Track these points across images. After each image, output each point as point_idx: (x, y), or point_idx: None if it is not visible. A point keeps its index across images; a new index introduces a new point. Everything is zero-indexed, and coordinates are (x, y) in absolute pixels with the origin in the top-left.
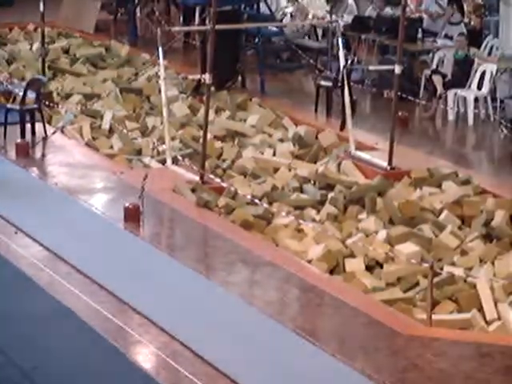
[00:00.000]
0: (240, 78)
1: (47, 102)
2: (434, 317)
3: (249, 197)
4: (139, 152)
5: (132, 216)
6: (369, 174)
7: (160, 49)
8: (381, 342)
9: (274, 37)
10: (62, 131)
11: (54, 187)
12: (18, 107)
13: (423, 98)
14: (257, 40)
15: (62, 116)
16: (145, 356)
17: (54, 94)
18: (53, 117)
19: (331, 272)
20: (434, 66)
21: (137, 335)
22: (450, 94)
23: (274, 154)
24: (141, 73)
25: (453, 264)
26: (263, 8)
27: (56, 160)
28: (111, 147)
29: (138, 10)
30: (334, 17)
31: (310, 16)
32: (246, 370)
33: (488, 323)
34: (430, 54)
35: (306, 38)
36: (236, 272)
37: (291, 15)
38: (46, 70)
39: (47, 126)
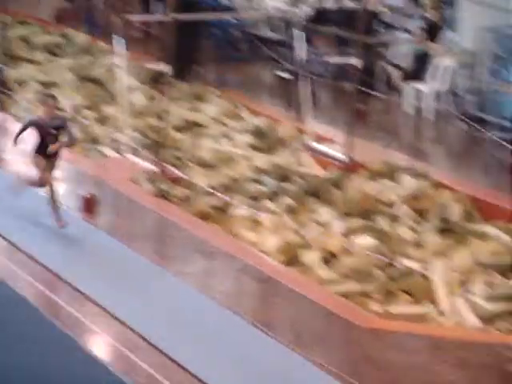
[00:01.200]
0: (199, 68)
1: (3, 90)
2: (388, 309)
3: (206, 187)
4: (96, 141)
5: (89, 206)
6: (326, 166)
7: (117, 38)
8: (336, 334)
9: (233, 28)
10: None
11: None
12: None
13: (381, 91)
14: (216, 31)
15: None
16: (99, 345)
17: (11, 82)
18: (8, 104)
19: (288, 263)
20: (391, 60)
21: (91, 324)
22: (408, 87)
23: (233, 145)
24: (99, 62)
25: (408, 257)
26: None
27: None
28: None
29: None
30: (293, 9)
31: (269, 8)
32: (200, 360)
33: (442, 316)
34: (389, 48)
35: (266, 29)
36: (192, 262)
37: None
38: (3, 57)
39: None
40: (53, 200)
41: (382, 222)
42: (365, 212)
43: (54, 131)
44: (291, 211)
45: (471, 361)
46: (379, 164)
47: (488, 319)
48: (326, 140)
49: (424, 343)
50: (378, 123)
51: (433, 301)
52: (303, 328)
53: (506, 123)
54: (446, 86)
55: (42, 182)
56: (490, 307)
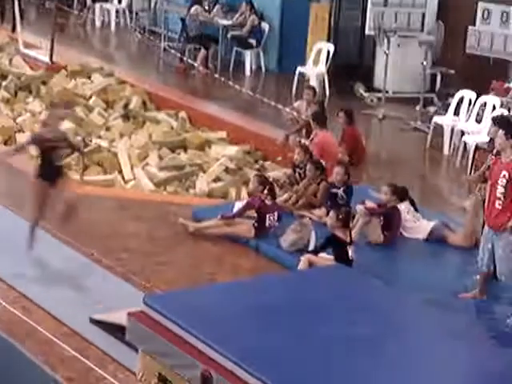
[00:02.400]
0: None
1: None
2: (85, 178)
3: None
4: None
5: None
6: (34, 67)
7: None
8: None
9: None
10: None
11: None
12: None
13: (77, 9)
14: None
15: None
16: None
17: None
18: None
19: (5, 143)
20: None
21: None
22: (97, 6)
23: None
24: None
25: (100, 137)
26: None
27: None
28: None
29: None
30: None
31: None
32: None
33: (126, 182)
34: None
35: None
36: None
37: None
38: None
39: None
40: None
41: (79, 111)
42: (66, 103)
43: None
44: (7, 102)
45: (147, 215)
46: (76, 65)
47: (160, 184)
48: (34, 46)
49: (113, 204)
50: (74, 34)
51: (119, 171)
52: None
53: (173, 35)
54: (127, 6)
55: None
56: (162, 175)
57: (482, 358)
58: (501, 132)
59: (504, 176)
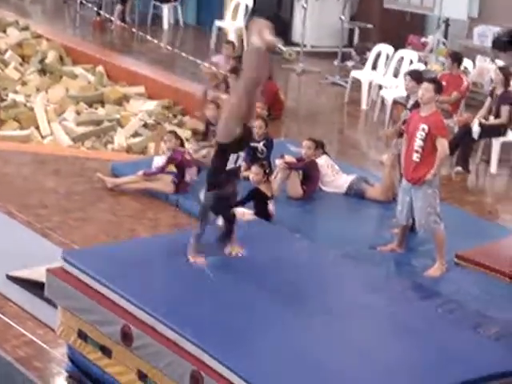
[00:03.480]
0: None
1: None
2: (0, 133)
3: None
4: None
5: None
6: None
7: None
8: None
9: None
10: None
11: None
12: None
13: None
14: None
15: None
16: None
17: None
18: None
19: None
20: None
21: None
22: None
23: None
24: None
25: (16, 92)
26: None
27: None
28: None
29: None
30: None
31: None
32: None
33: (43, 138)
34: None
35: None
36: None
37: None
38: None
39: None
40: None
41: None
42: None
43: None
44: None
45: (65, 171)
46: None
47: (77, 139)
48: None
49: (29, 158)
50: None
51: (36, 126)
52: None
53: None
54: None
55: None
56: (79, 130)
57: (398, 311)
58: (429, 85)
59: (423, 129)
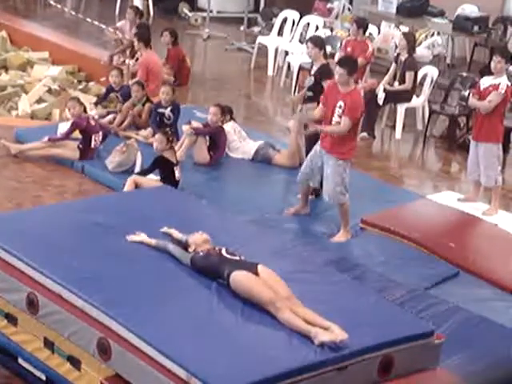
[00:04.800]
0: None
1: None
2: None
3: None
4: None
5: None
6: None
7: None
8: None
9: None
10: None
11: None
12: None
13: None
14: None
15: None
16: None
17: None
18: None
19: None
20: None
21: None
22: None
23: None
24: None
25: None
26: None
27: None
28: None
29: None
30: None
31: None
32: None
33: None
34: None
35: None
36: None
37: None
38: None
39: None
40: None
41: None
42: None
43: None
44: None
45: None
46: None
47: None
48: None
49: None
50: None
51: None
52: None
53: None
54: None
55: None
56: None
57: (304, 277)
58: (340, 69)
59: (340, 106)
